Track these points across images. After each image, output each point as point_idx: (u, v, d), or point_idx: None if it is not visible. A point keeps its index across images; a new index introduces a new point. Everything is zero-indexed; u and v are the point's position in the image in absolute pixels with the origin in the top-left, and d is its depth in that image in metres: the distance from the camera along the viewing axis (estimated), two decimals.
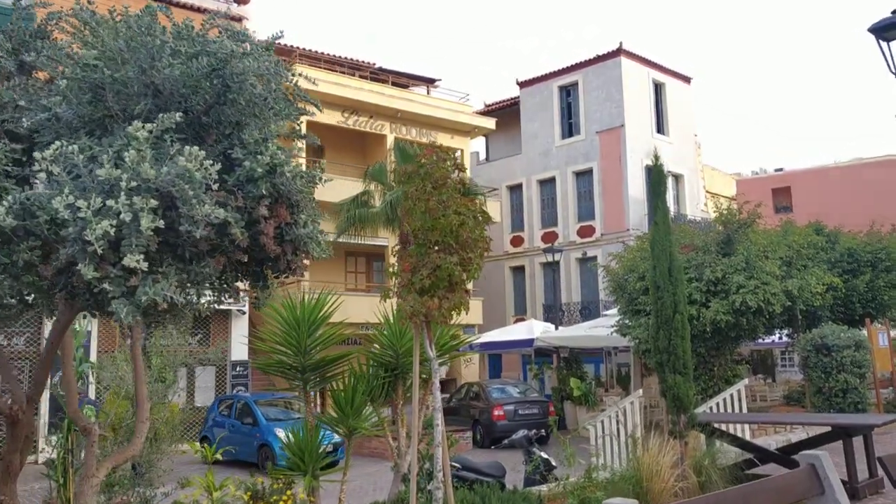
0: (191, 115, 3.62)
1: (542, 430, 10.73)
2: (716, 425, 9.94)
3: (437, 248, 7.49)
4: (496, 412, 18.87)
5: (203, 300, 4.40)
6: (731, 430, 11.52)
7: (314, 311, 8.39)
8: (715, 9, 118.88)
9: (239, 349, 22.22)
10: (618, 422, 10.92)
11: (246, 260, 3.77)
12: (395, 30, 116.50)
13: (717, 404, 12.97)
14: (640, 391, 11.72)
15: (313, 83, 4.65)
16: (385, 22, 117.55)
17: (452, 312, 7.51)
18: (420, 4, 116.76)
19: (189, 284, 3.77)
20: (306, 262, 4.61)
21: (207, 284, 4.12)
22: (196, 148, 3.19)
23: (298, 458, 8.18)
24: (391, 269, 7.65)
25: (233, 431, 17.78)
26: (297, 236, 3.84)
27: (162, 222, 3.12)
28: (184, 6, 22.00)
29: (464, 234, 7.48)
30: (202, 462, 17.72)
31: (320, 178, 3.98)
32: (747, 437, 12.82)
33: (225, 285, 4.75)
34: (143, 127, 3.15)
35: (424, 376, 9.34)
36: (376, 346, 9.03)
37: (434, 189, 7.53)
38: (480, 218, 7.82)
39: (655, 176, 9.25)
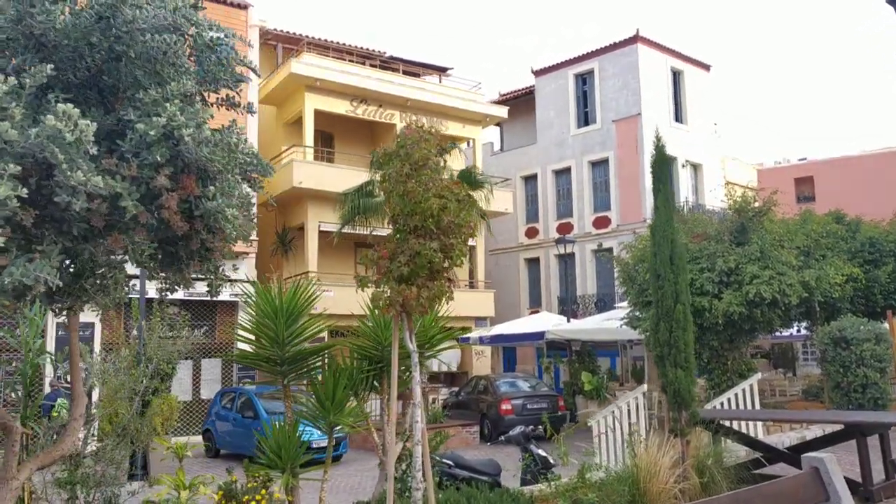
0: (88, 73, 3.18)
1: (540, 427, 10.21)
2: (722, 422, 9.42)
3: (417, 233, 7.05)
4: (504, 406, 18.42)
5: (123, 287, 3.98)
6: (743, 427, 10.99)
7: (292, 301, 7.98)
8: (720, 5, 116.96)
9: None
10: (618, 418, 10.43)
11: (144, 237, 3.31)
12: (396, 27, 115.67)
13: (729, 400, 12.42)
14: (645, 386, 11.20)
15: (249, 44, 4.19)
16: (385, 19, 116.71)
17: (433, 302, 7.08)
18: (421, 2, 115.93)
19: (90, 266, 3.35)
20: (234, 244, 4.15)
21: (110, 268, 3.67)
22: (70, 106, 2.77)
23: (275, 455, 7.79)
24: (368, 257, 7.21)
25: (235, 425, 17.51)
26: (206, 211, 3.38)
27: (24, 191, 2.70)
28: None
29: (445, 218, 7.02)
30: (203, 456, 17.51)
31: (237, 145, 3.51)
32: (760, 434, 12.27)
33: (164, 271, 4.32)
34: (5, 81, 2.73)
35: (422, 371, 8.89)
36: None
37: (413, 171, 7.09)
38: (465, 201, 7.36)
39: (657, 158, 8.74)
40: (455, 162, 23.84)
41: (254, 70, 4.07)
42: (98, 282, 3.63)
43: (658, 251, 8.44)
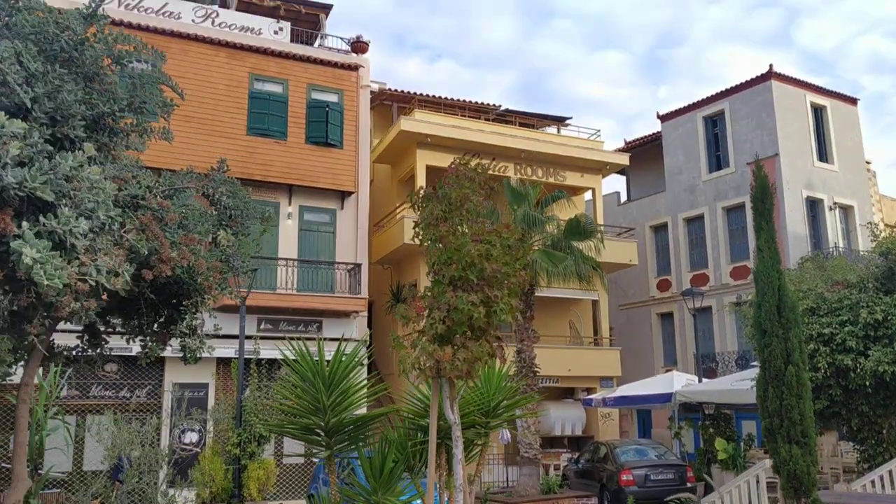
0: None
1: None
2: None
3: (455, 285, 6.12)
4: (624, 477, 16.73)
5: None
6: None
7: (336, 364, 7.21)
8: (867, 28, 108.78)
9: None
10: (732, 498, 8.83)
11: None
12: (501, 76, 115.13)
13: (881, 477, 10.43)
14: (767, 462, 9.50)
15: (163, 57, 3.56)
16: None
17: (474, 365, 6.07)
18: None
19: None
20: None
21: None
22: None
23: None
24: (401, 312, 6.35)
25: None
26: (15, 255, 2.60)
27: None
28: (303, 59, 22.17)
29: (488, 267, 6.07)
30: None
31: (79, 168, 2.71)
32: None
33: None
34: None
35: (479, 443, 7.90)
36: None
37: (448, 212, 6.21)
38: (514, 247, 6.38)
39: (757, 191, 7.42)
40: (565, 212, 22.72)
41: (173, 88, 3.40)
42: None
43: (763, 301, 7.06)
